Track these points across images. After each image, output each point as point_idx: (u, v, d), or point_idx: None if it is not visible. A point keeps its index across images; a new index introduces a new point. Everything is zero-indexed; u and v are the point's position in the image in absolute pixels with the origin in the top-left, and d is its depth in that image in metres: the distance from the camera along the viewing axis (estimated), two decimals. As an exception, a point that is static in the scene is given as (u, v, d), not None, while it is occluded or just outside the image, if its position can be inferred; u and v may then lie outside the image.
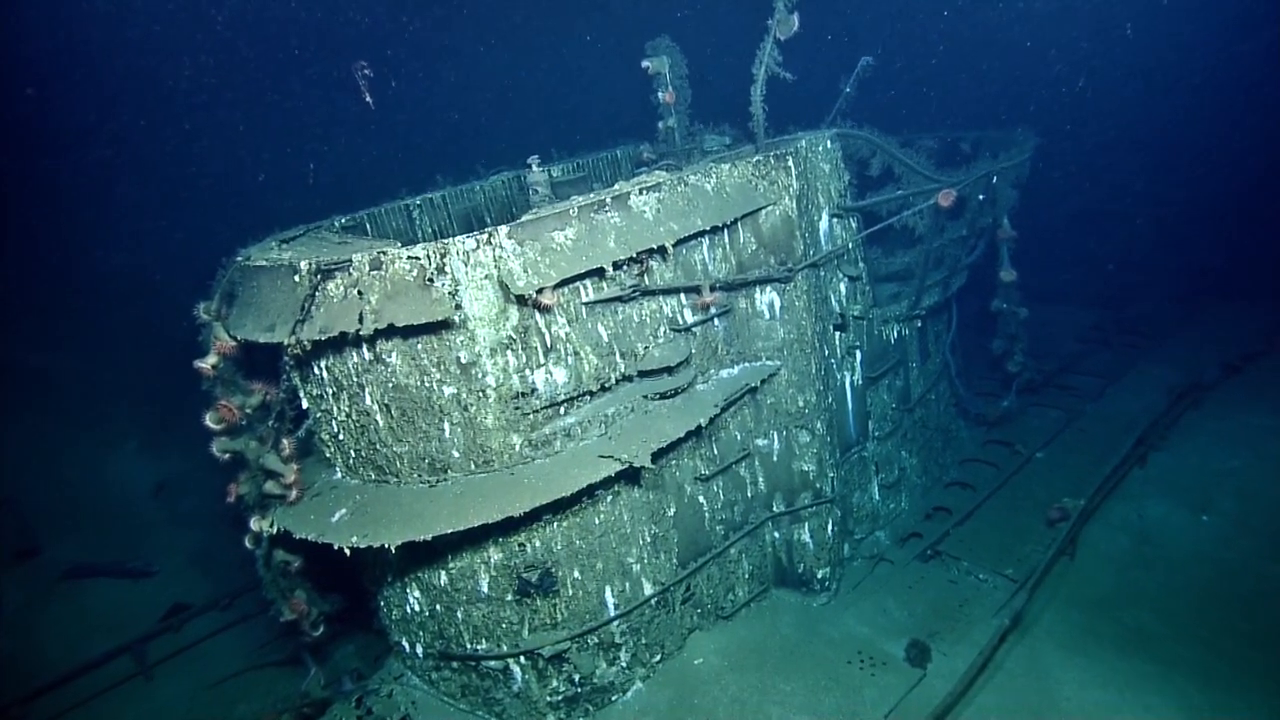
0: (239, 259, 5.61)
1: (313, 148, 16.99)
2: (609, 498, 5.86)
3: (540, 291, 4.95)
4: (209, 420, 5.55)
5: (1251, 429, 9.06)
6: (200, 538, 10.77)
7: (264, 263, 5.23)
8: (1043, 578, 7.02)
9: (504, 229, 4.93)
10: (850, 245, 7.10)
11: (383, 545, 4.99)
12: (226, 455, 5.66)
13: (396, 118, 17.57)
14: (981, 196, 7.70)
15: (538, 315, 5.21)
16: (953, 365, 9.30)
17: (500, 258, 4.93)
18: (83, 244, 13.73)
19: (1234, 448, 8.78)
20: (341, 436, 5.59)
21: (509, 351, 5.18)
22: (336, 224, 6.94)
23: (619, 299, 5.57)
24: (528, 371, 5.29)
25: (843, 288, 7.25)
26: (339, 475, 5.85)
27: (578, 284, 5.34)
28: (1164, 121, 16.60)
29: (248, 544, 5.92)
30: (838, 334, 7.25)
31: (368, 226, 7.25)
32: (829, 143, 6.83)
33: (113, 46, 14.95)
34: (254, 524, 5.72)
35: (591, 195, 5.43)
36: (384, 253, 4.76)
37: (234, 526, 6.53)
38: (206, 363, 5.47)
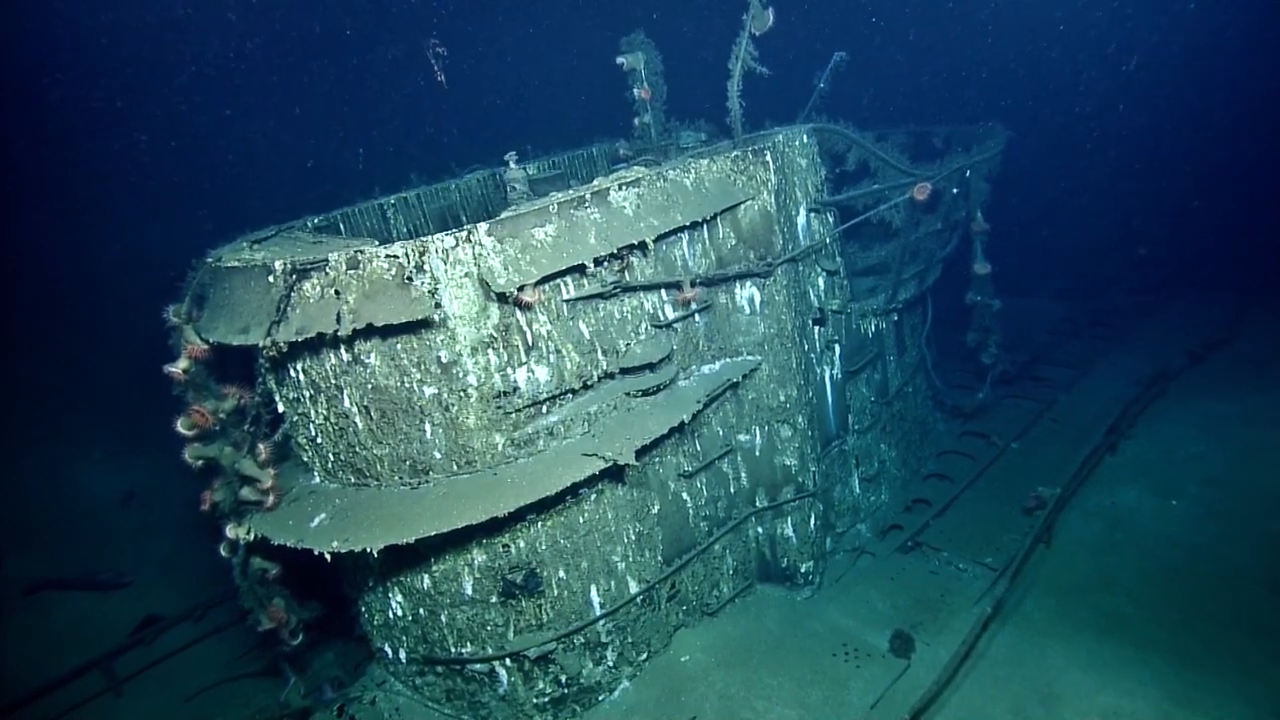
0: (209, 260, 5.47)
1: (361, 133, 16.66)
2: (593, 496, 5.82)
3: (521, 289, 4.89)
4: (181, 426, 5.38)
5: (1216, 416, 9.29)
6: (171, 548, 10.51)
7: (236, 263, 5.10)
8: (1022, 566, 7.12)
9: (483, 226, 4.86)
10: (828, 240, 7.14)
11: (364, 549, 4.90)
12: (199, 462, 5.50)
13: (424, 106, 17.33)
14: (955, 190, 7.79)
15: (519, 313, 5.15)
16: (929, 358, 9.41)
17: (480, 255, 4.86)
18: (75, 240, 13.25)
19: (1200, 434, 9.00)
20: (319, 440, 5.48)
21: (490, 350, 5.12)
22: (309, 224, 6.80)
23: (600, 296, 5.53)
24: (509, 370, 5.23)
25: (821, 282, 7.28)
26: (317, 479, 5.73)
27: (558, 281, 5.29)
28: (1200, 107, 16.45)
29: (223, 552, 5.76)
30: (817, 328, 7.28)
31: (341, 226, 7.12)
32: (805, 137, 6.86)
33: (139, 28, 14.49)
34: (230, 531, 5.57)
35: (571, 191, 5.39)
36: (361, 251, 4.67)
37: (207, 535, 6.36)
38: (177, 367, 5.30)
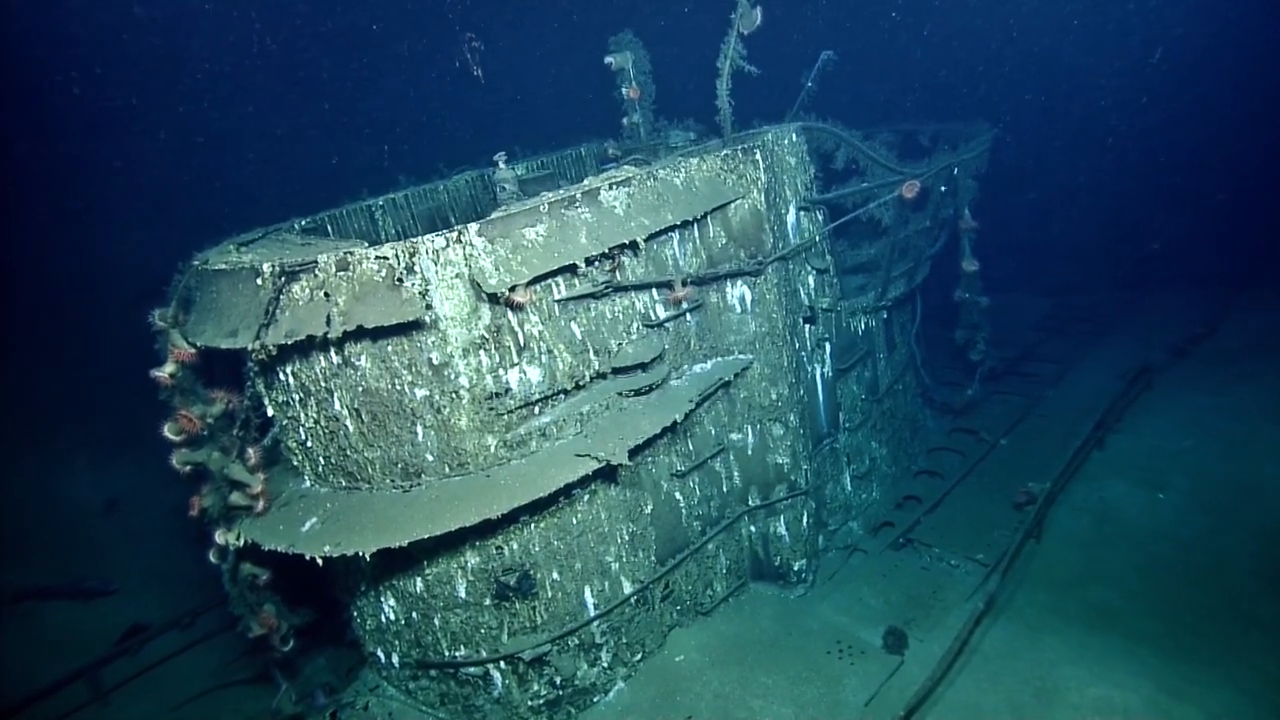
0: (195, 263, 5.41)
1: (386, 130, 16.58)
2: (586, 497, 5.80)
3: (513, 289, 4.87)
4: (168, 431, 5.31)
5: (1200, 409, 9.39)
6: (157, 555, 10.36)
7: (224, 266, 5.04)
8: (1013, 561, 7.16)
9: (474, 226, 4.83)
10: (818, 238, 7.15)
11: (357, 554, 4.86)
12: (187, 468, 5.43)
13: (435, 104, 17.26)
14: (944, 188, 7.84)
15: (510, 314, 5.12)
16: (918, 355, 9.46)
17: (471, 256, 4.83)
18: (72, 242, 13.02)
19: (1185, 427, 9.10)
20: (310, 443, 5.42)
21: (482, 351, 5.09)
22: (296, 226, 6.74)
23: (591, 296, 5.51)
24: (501, 371, 5.20)
25: (811, 280, 7.29)
26: (308, 484, 5.68)
27: (550, 281, 5.27)
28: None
29: (213, 559, 5.70)
30: (807, 327, 7.29)
31: (329, 228, 7.06)
32: (794, 136, 6.87)
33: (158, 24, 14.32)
34: (219, 537, 5.50)
35: (562, 191, 5.37)
36: (351, 253, 4.63)
37: (194, 542, 6.28)
38: (164, 371, 5.23)
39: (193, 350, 5.24)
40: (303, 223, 6.83)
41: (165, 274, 5.56)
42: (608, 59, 7.57)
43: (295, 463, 5.74)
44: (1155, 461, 8.62)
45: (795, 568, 7.25)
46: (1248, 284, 12.78)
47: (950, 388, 10.53)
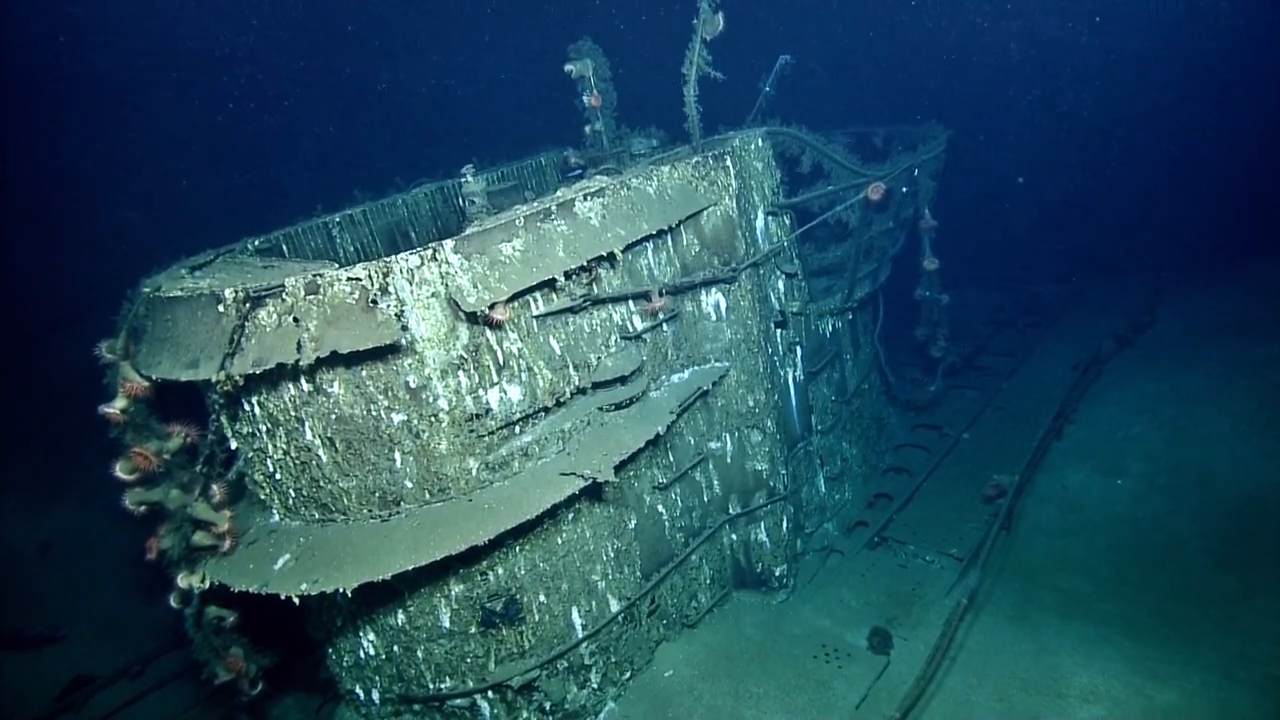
0: (146, 290, 5.06)
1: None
2: (571, 516, 5.66)
3: (492, 307, 4.70)
4: (120, 471, 4.92)
5: (1148, 395, 9.75)
6: (102, 601, 9.66)
7: (180, 293, 4.72)
8: (990, 554, 7.28)
9: (449, 243, 4.64)
10: (787, 242, 7.17)
11: (337, 590, 4.61)
12: (143, 508, 5.06)
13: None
14: (905, 189, 7.96)
15: (489, 332, 4.95)
16: (882, 354, 9.59)
17: (448, 274, 4.64)
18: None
19: (1135, 414, 9.42)
20: (279, 476, 5.13)
21: (460, 372, 4.90)
22: (250, 246, 6.40)
23: (570, 310, 5.38)
24: (481, 391, 5.02)
25: (781, 285, 7.30)
26: (277, 518, 5.37)
27: (527, 297, 5.12)
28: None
29: (174, 603, 5.31)
30: (779, 331, 7.29)
31: (284, 248, 6.73)
32: (760, 141, 6.86)
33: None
34: (182, 580, 5.14)
35: (535, 204, 5.22)
36: (321, 275, 4.39)
37: (142, 586, 5.87)
38: (114, 407, 4.86)
39: (146, 384, 4.89)
40: (256, 243, 6.49)
41: (82, 301, 5.20)
42: (568, 66, 7.44)
43: (262, 496, 5.42)
44: (1111, 448, 8.89)
45: (777, 573, 7.23)
46: (1176, 272, 13.43)
47: (911, 385, 10.72)
